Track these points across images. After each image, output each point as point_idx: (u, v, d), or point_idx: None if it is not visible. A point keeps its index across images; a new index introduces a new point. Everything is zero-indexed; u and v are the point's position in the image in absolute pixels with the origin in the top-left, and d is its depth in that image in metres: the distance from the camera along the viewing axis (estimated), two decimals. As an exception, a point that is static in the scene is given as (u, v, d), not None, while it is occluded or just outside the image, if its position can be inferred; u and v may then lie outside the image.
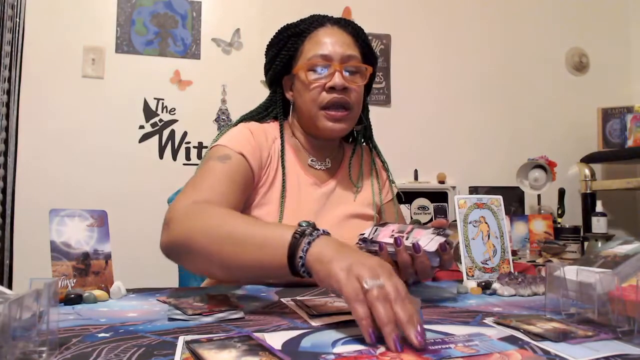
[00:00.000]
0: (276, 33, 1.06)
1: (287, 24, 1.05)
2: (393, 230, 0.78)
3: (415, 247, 0.72)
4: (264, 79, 1.11)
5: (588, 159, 2.64)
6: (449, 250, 0.73)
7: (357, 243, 0.84)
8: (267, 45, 1.08)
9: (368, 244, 0.82)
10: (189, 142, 2.38)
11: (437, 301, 0.73)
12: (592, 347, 0.48)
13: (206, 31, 2.42)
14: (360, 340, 0.50)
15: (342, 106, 0.97)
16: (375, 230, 0.82)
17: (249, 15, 2.45)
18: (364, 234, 0.84)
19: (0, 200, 2.11)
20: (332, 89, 0.96)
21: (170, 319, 0.60)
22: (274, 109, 1.08)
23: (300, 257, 0.59)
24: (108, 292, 0.74)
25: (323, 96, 0.97)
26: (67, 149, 2.22)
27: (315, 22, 1.02)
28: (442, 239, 0.73)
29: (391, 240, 0.75)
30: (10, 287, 2.01)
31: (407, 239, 0.74)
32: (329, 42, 0.98)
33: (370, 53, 1.05)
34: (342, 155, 1.10)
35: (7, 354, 0.38)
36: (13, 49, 2.16)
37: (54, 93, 2.22)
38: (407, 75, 2.65)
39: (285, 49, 1.03)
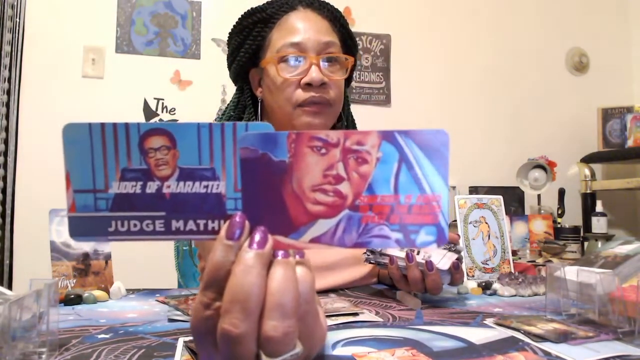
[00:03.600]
0: (239, 19, 0.91)
1: (252, 8, 0.90)
2: None
3: (428, 265, 0.70)
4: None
5: (588, 159, 2.64)
6: (460, 269, 0.72)
7: (365, 254, 0.81)
8: (229, 34, 0.93)
9: (377, 256, 0.79)
10: (189, 142, 2.37)
11: (437, 302, 0.73)
12: (592, 347, 0.48)
13: (206, 31, 2.41)
14: (360, 341, 0.50)
15: (321, 104, 0.84)
16: None
17: (249, 15, 2.45)
18: None
19: (0, 200, 2.11)
20: (308, 85, 0.83)
21: (170, 320, 0.60)
22: (244, 110, 0.93)
23: None
24: (108, 292, 0.74)
25: (298, 94, 0.84)
26: (67, 149, 2.22)
27: (284, 5, 0.88)
28: (454, 256, 0.72)
29: (402, 254, 0.74)
30: (10, 287, 2.01)
31: (418, 253, 0.73)
32: (301, 28, 0.84)
33: (350, 40, 0.92)
34: None
35: (6, 355, 0.38)
36: (13, 49, 2.16)
37: (54, 93, 2.21)
38: (407, 75, 2.65)
39: (250, 38, 0.89)
